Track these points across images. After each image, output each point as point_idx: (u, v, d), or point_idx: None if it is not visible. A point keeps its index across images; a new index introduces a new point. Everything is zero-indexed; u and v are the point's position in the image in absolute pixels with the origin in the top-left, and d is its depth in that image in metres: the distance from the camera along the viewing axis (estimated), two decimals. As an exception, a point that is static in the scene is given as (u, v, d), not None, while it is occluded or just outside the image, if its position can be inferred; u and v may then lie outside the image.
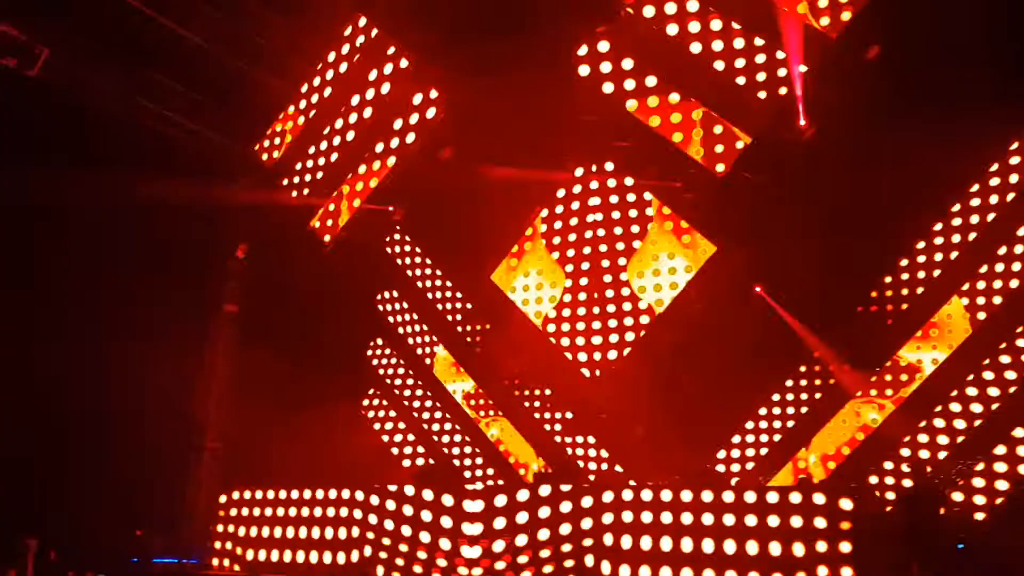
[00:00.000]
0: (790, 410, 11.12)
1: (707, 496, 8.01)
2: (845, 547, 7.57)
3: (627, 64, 10.70)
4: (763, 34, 10.06)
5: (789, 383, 11.09)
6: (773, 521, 7.78)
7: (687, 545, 7.93)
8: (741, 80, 10.11)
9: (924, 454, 10.21)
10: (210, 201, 12.30)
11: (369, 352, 13.36)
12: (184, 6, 11.37)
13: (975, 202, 10.36)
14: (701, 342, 10.70)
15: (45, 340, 10.85)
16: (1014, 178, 10.12)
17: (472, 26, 10.87)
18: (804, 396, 11.04)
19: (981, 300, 10.21)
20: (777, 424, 11.14)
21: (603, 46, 10.79)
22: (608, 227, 11.18)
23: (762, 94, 9.97)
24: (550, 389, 11.67)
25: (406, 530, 8.76)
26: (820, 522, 7.69)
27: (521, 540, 8.32)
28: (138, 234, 11.94)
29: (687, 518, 8.01)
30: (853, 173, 10.06)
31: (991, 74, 9.25)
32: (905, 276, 10.69)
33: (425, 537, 8.62)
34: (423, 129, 11.70)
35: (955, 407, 10.14)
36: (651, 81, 10.56)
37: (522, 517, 8.33)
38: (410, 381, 12.93)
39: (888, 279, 10.73)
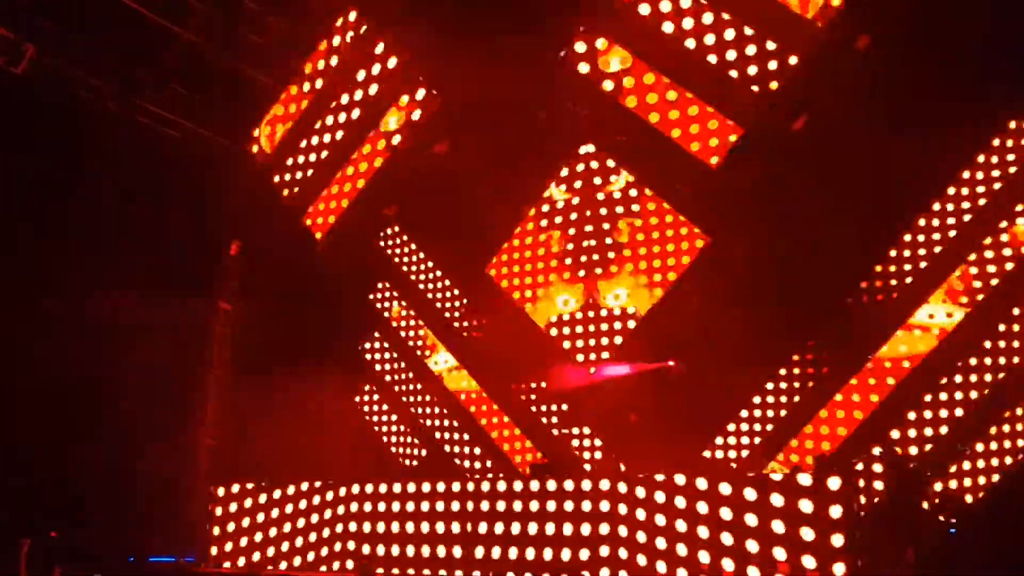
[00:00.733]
0: (783, 399, 11.22)
1: (702, 484, 7.93)
2: (838, 540, 7.56)
3: (623, 59, 10.75)
4: (753, 25, 10.13)
5: (782, 372, 11.18)
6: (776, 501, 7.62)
7: (703, 532, 7.82)
8: (734, 73, 10.18)
9: (914, 440, 10.34)
10: (203, 198, 12.30)
11: (363, 347, 13.40)
12: (176, 2, 11.36)
13: (965, 190, 10.50)
14: (695, 333, 10.79)
15: (39, 337, 10.82)
16: (996, 172, 10.26)
17: (466, 21, 10.89)
18: (797, 384, 11.14)
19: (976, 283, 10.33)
20: (771, 413, 11.23)
21: (600, 43, 10.85)
22: (603, 219, 11.25)
23: (754, 87, 10.05)
24: (546, 382, 11.74)
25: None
26: (807, 506, 7.56)
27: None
28: (130, 231, 11.91)
29: (699, 506, 7.87)
30: (844, 164, 10.16)
31: (980, 64, 9.38)
32: (893, 268, 10.81)
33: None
34: (416, 125, 11.72)
35: (943, 396, 10.28)
36: (648, 78, 10.62)
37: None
38: (405, 375, 12.97)
39: (878, 268, 10.84)
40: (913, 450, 10.25)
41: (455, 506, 8.82)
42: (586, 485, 8.36)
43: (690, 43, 10.36)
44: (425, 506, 8.93)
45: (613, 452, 11.17)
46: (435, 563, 8.79)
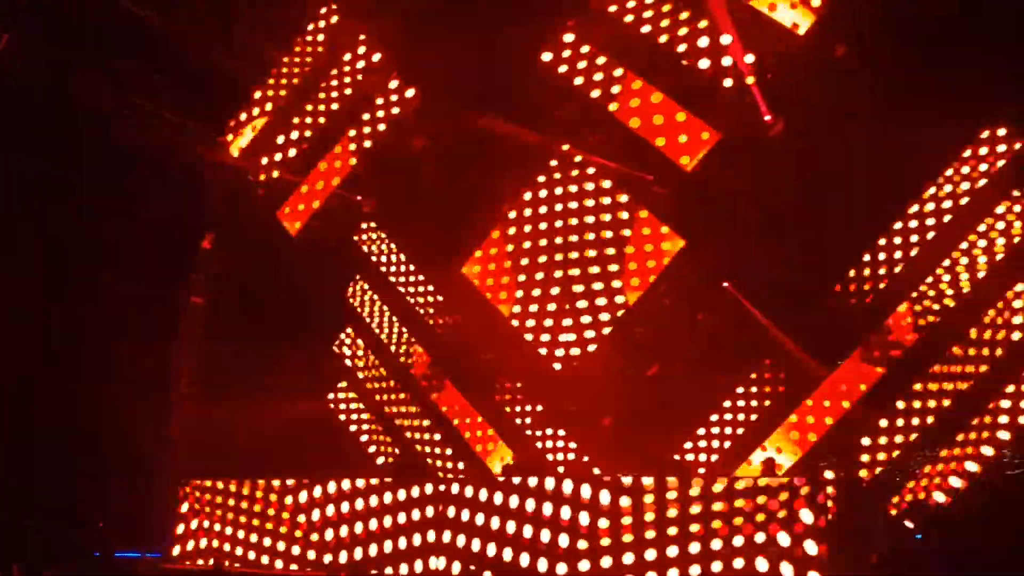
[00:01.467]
0: (754, 403, 11.27)
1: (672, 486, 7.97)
2: (810, 545, 7.62)
3: (602, 61, 10.77)
4: (730, 31, 10.19)
5: (754, 376, 11.23)
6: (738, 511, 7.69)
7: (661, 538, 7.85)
8: (710, 76, 10.23)
9: (883, 447, 10.41)
10: (176, 190, 12.17)
11: (338, 344, 13.31)
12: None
13: (930, 207, 10.55)
14: (670, 336, 10.82)
15: (5, 334, 10.68)
16: (964, 186, 10.33)
17: (444, 19, 10.87)
18: (768, 389, 11.19)
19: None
20: (741, 417, 11.28)
21: (575, 41, 10.85)
22: (579, 221, 11.23)
23: (728, 82, 10.08)
24: (520, 383, 11.72)
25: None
26: (784, 511, 7.65)
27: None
28: (101, 222, 11.78)
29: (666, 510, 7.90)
30: (820, 168, 10.22)
31: (958, 68, 9.46)
32: (867, 272, 10.88)
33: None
34: (393, 121, 11.67)
35: (916, 403, 10.34)
36: (635, 84, 10.65)
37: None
38: (379, 372, 12.90)
39: (852, 272, 10.90)
40: (882, 456, 10.32)
41: (429, 511, 8.78)
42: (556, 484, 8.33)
43: (668, 46, 10.41)
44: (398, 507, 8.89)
45: (586, 455, 11.18)
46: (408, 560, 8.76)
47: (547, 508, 8.26)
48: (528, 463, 11.22)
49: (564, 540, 8.07)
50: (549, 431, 11.53)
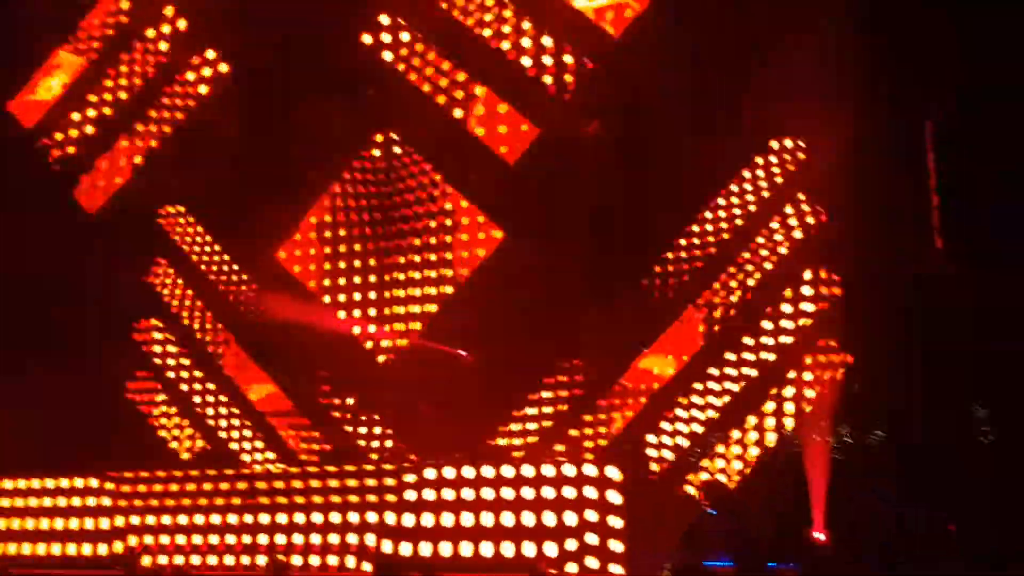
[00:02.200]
0: (563, 392, 11.65)
1: (488, 471, 8.54)
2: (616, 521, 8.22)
3: (426, 51, 10.85)
4: (552, 32, 10.55)
5: (566, 365, 11.61)
6: (547, 493, 8.51)
7: (468, 520, 8.59)
8: (533, 76, 10.54)
9: (683, 434, 11.05)
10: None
11: (137, 332, 12.50)
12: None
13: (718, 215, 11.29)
14: (487, 326, 11.00)
15: None
16: (751, 193, 11.18)
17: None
18: (578, 378, 11.60)
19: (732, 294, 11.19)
20: (548, 410, 11.61)
21: (405, 36, 10.85)
22: (399, 207, 11.22)
23: (547, 78, 10.41)
24: (336, 371, 11.53)
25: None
26: (591, 492, 8.43)
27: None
28: None
29: (469, 494, 8.62)
30: (631, 167, 10.74)
31: (753, 84, 10.25)
32: (671, 268, 11.49)
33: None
34: (204, 98, 11.19)
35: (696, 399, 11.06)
36: (460, 75, 10.77)
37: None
38: (183, 362, 12.25)
39: (658, 268, 11.48)
40: (683, 442, 10.97)
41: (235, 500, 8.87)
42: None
43: (493, 42, 10.64)
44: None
45: (404, 442, 11.16)
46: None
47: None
48: (343, 451, 11.07)
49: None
50: (363, 417, 11.42)
